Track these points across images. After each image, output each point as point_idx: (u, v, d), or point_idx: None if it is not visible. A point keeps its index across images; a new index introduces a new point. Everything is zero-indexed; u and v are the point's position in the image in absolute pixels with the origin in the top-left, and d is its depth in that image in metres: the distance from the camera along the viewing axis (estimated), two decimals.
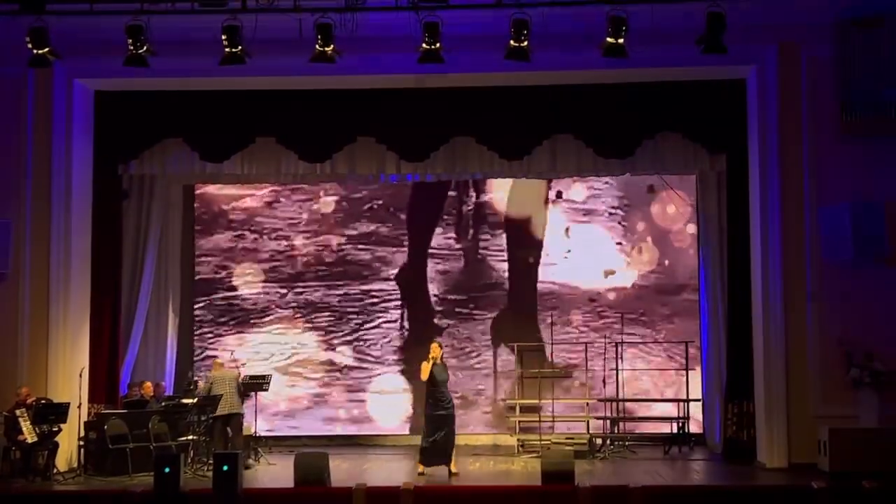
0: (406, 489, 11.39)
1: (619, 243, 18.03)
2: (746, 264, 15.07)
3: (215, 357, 15.74)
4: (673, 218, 17.94)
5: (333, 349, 18.29)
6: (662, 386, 17.69)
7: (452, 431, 13.94)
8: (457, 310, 18.20)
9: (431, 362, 13.84)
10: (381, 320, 18.29)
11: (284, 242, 18.44)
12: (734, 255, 15.35)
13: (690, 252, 17.76)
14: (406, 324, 18.22)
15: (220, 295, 18.40)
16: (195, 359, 18.12)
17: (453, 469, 13.82)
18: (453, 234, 18.29)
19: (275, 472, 14.70)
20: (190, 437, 14.79)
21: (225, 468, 11.42)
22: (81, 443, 14.57)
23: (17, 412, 13.82)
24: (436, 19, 12.72)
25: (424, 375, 13.87)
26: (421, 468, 13.93)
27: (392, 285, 18.30)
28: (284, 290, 18.36)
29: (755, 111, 14.78)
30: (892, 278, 14.22)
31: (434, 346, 14.09)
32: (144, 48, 12.94)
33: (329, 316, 18.35)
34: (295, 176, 16.36)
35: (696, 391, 16.95)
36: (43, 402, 14.10)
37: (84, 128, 15.32)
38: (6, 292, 14.79)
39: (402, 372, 18.07)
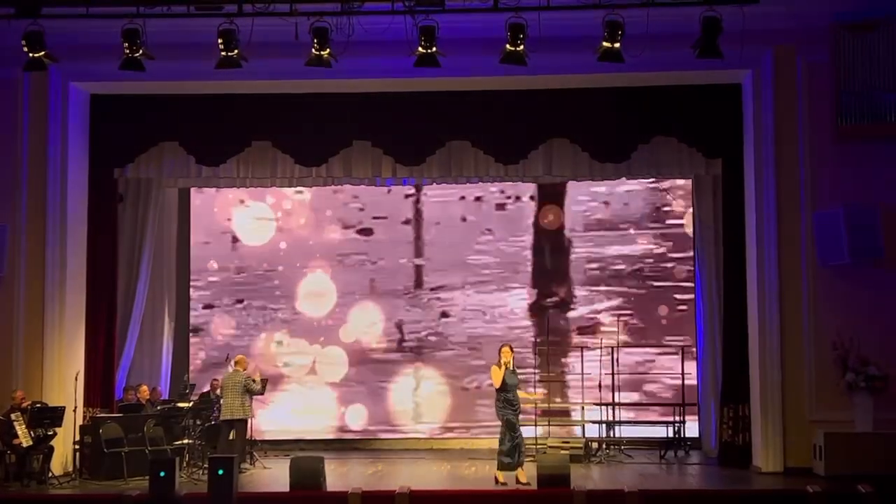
0: (401, 494, 11.39)
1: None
2: (742, 268, 15.08)
3: (236, 358, 15.62)
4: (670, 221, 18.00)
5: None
6: (658, 389, 17.69)
7: (521, 437, 13.36)
8: None
9: (504, 367, 13.32)
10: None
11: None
12: (730, 259, 15.34)
13: (686, 255, 17.78)
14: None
15: (217, 298, 18.44)
16: (191, 363, 18.13)
17: (522, 479, 13.18)
18: None
19: (270, 475, 14.68)
20: (185, 441, 14.77)
21: (220, 472, 11.40)
22: (77, 446, 14.55)
23: (13, 416, 13.80)
24: (432, 23, 12.74)
25: (498, 381, 13.27)
26: (500, 476, 13.25)
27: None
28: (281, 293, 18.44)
29: (751, 115, 14.79)
30: (887, 282, 14.24)
31: (506, 349, 13.45)
32: (140, 52, 12.94)
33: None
34: (291, 180, 16.34)
35: (691, 395, 16.94)
36: (38, 405, 14.08)
37: (80, 131, 15.31)
38: (2, 295, 14.78)
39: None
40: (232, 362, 15.09)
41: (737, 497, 12.33)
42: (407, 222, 18.48)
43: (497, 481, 13.23)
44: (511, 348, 13.57)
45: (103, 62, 13.69)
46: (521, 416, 13.62)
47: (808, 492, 11.33)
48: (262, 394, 15.53)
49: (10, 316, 14.78)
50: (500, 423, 13.39)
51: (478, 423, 17.86)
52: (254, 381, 14.91)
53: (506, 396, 13.29)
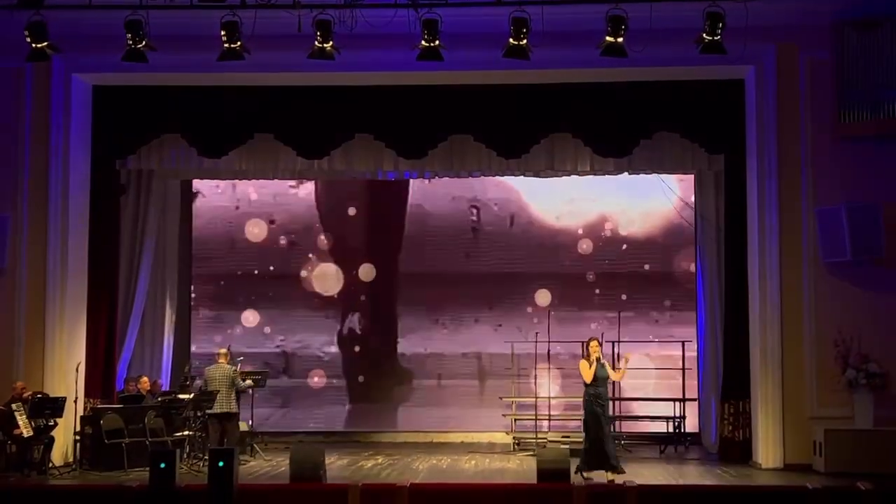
0: (401, 487, 11.40)
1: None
2: (743, 264, 15.08)
3: (220, 351, 15.62)
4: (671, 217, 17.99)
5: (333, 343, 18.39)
6: (659, 385, 17.69)
7: (609, 433, 13.13)
8: None
9: (594, 361, 13.01)
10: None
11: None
12: (731, 255, 15.35)
13: (688, 251, 17.79)
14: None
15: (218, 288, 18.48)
16: (192, 354, 18.14)
17: (611, 476, 12.80)
18: None
19: (271, 467, 14.69)
20: (186, 433, 14.78)
21: (220, 464, 11.40)
22: (77, 437, 14.56)
23: (14, 406, 13.81)
24: (435, 16, 12.72)
25: (588, 376, 13.00)
26: (586, 473, 12.92)
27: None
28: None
29: (753, 112, 14.78)
30: (888, 279, 14.23)
31: (594, 343, 13.18)
32: (143, 43, 12.91)
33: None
34: (293, 172, 16.38)
35: (692, 391, 16.95)
36: (39, 396, 14.10)
37: (82, 122, 15.31)
38: (3, 287, 14.80)
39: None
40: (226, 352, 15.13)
41: (736, 493, 12.30)
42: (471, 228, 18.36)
43: (609, 480, 12.82)
44: (599, 342, 13.29)
45: (106, 53, 13.69)
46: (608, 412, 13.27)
47: (807, 488, 11.32)
48: (245, 390, 15.48)
49: (11, 307, 14.79)
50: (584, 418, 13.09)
51: (478, 417, 17.91)
52: (241, 374, 14.87)
53: (596, 391, 13.04)
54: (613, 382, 15.23)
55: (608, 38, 12.70)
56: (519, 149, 15.43)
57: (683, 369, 16.83)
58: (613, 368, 13.52)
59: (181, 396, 15.14)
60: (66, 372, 14.70)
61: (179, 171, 16.54)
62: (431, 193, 18.33)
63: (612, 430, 13.12)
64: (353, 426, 18.17)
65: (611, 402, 15.30)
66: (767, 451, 14.33)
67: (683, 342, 17.07)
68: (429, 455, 16.00)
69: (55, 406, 13.99)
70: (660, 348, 17.66)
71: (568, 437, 16.29)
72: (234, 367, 14.85)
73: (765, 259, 14.56)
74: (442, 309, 18.29)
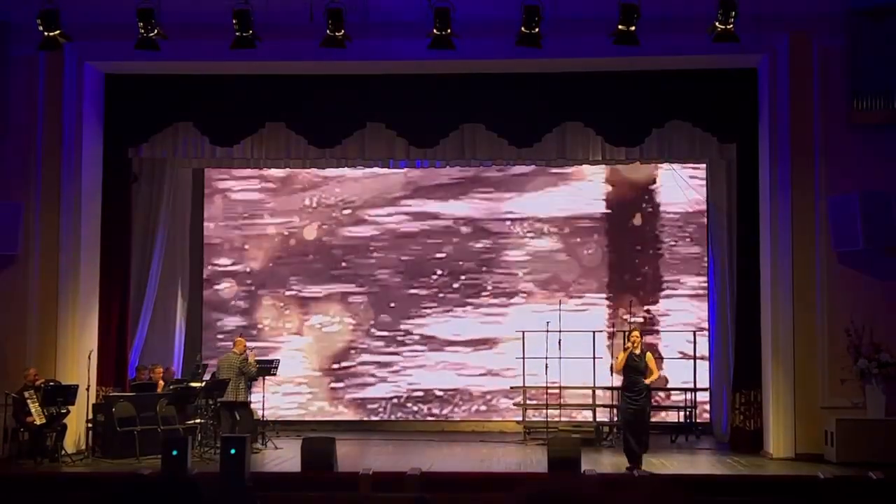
0: (412, 475, 11.42)
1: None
2: (755, 253, 15.05)
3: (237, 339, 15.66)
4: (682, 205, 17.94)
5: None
6: (670, 374, 17.67)
7: (640, 424, 13.08)
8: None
9: (627, 352, 12.98)
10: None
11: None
12: (743, 245, 15.32)
13: (699, 241, 17.75)
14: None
15: (230, 277, 18.48)
16: (203, 343, 18.18)
17: (640, 467, 12.83)
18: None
19: (282, 456, 14.72)
20: (198, 421, 14.83)
21: (232, 452, 11.45)
22: (89, 425, 14.63)
23: (26, 394, 13.87)
24: (447, 5, 12.70)
25: (619, 366, 13.08)
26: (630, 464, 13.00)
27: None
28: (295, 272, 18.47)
29: (766, 100, 14.74)
30: None
31: (635, 333, 13.23)
32: (155, 31, 12.93)
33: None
34: (304, 161, 16.36)
35: (703, 380, 16.93)
36: (51, 383, 14.15)
37: (94, 111, 15.34)
38: (16, 274, 14.84)
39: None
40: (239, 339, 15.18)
41: (748, 483, 12.32)
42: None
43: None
44: (640, 333, 13.18)
45: (118, 42, 13.71)
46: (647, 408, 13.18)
47: (819, 478, 11.31)
48: (255, 378, 15.49)
49: (24, 294, 14.83)
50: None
51: (489, 404, 17.92)
52: (249, 363, 14.87)
53: (627, 382, 13.00)
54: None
55: (620, 27, 12.67)
56: (531, 138, 15.40)
57: (695, 358, 16.79)
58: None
59: (193, 384, 15.19)
60: (79, 360, 14.75)
61: (191, 159, 16.55)
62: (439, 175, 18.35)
63: (634, 420, 12.96)
64: (365, 414, 18.17)
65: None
66: (779, 440, 14.32)
67: (695, 331, 17.04)
68: (440, 444, 16.02)
69: (67, 394, 14.05)
70: (669, 335, 17.63)
71: (578, 426, 16.28)
72: (241, 356, 14.87)
73: (776, 248, 14.53)
74: (449, 293, 18.27)
